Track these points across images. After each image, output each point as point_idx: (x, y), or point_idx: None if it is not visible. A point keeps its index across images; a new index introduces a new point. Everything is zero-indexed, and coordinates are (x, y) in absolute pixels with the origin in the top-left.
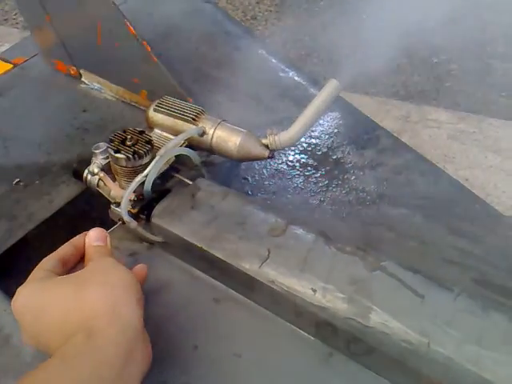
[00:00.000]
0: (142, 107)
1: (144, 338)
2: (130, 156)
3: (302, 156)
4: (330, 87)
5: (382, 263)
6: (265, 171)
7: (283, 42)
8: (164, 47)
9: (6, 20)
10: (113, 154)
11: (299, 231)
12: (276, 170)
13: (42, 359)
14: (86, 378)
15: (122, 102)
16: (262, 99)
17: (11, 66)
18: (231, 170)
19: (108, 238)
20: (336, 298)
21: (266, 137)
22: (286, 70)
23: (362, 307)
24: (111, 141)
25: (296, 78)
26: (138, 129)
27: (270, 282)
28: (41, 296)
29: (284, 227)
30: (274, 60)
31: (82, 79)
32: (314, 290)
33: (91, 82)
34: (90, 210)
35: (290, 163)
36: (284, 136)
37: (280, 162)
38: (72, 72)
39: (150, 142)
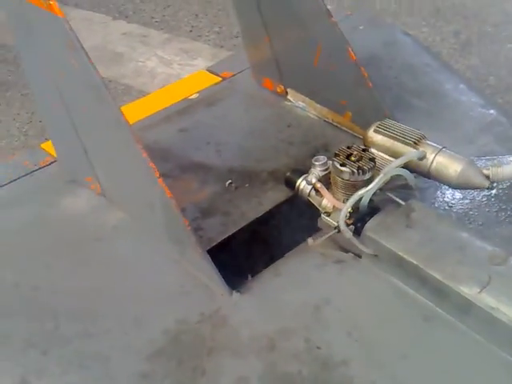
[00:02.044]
0: (343, 128)
1: None
2: (355, 171)
3: None
4: None
5: None
6: (468, 201)
7: (467, 80)
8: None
9: (199, 36)
10: (338, 167)
11: None
12: (481, 201)
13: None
14: None
15: (324, 121)
16: (461, 131)
17: (219, 79)
18: (434, 196)
19: None
20: None
21: (486, 168)
22: (487, 105)
23: None
24: (336, 155)
25: (497, 115)
26: (362, 146)
27: (491, 309)
28: None
29: (505, 257)
30: (474, 95)
31: (288, 97)
32: None
33: (296, 100)
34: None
35: (498, 196)
36: (509, 169)
37: (487, 193)
38: (279, 90)
39: (373, 159)
